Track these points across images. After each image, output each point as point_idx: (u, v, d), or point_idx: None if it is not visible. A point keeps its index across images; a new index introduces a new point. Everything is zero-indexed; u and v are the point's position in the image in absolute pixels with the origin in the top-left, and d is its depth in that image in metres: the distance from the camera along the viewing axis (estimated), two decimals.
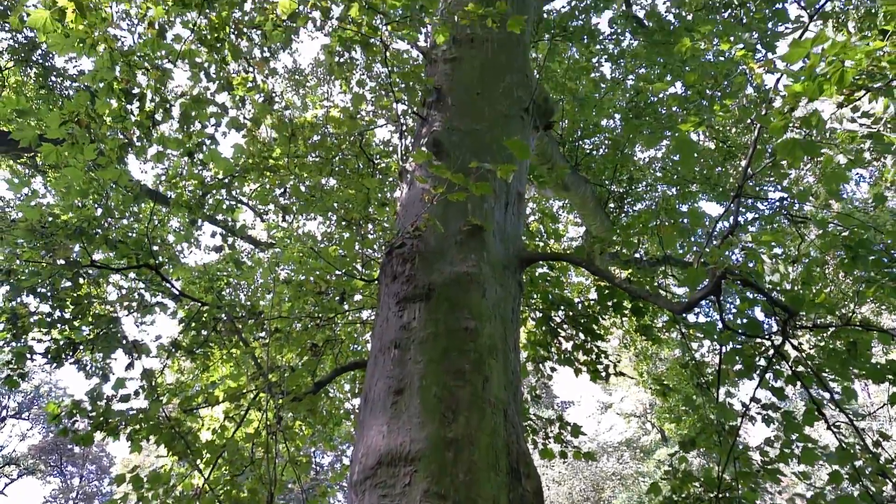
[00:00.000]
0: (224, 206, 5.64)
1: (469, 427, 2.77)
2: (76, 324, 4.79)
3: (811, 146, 2.50)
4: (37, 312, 4.80)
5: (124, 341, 4.83)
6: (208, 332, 5.48)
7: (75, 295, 4.79)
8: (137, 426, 4.19)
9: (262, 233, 12.61)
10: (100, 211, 6.14)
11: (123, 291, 5.33)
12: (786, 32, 4.62)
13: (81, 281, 4.91)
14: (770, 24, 5.87)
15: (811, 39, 2.40)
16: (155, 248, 6.21)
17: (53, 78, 10.62)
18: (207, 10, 4.93)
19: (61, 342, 4.81)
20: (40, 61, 10.35)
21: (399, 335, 3.30)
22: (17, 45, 10.30)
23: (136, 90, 4.54)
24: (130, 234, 5.36)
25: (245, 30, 5.30)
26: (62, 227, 4.60)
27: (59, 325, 4.74)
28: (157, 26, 4.29)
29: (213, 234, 6.28)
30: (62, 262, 4.34)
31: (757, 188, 8.93)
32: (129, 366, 4.83)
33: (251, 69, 5.52)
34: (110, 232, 4.86)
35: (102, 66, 4.23)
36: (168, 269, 6.05)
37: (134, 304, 5.01)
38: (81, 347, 4.86)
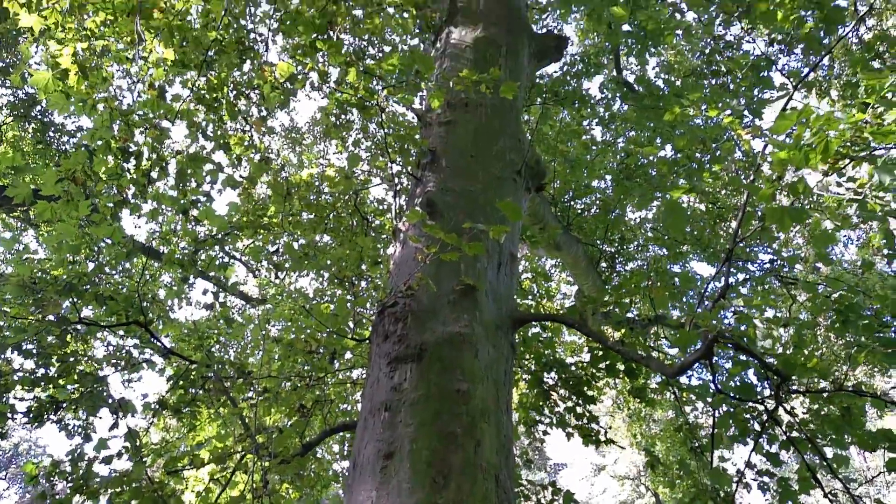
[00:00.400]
0: (216, 263, 5.63)
1: (460, 493, 2.71)
2: (61, 382, 4.71)
3: (799, 214, 2.54)
4: (21, 370, 4.72)
5: (109, 400, 4.74)
6: (196, 391, 5.39)
7: (62, 352, 4.72)
8: (119, 489, 4.07)
9: (253, 288, 12.57)
10: (91, 266, 6.13)
11: (111, 348, 5.27)
12: (772, 100, 4.75)
13: (69, 338, 4.86)
14: (756, 91, 6.05)
15: (797, 112, 2.47)
16: (145, 304, 6.17)
17: (51, 133, 10.74)
18: (207, 71, 5.04)
19: (44, 401, 4.71)
20: (39, 117, 10.48)
21: (390, 396, 3.25)
22: (16, 101, 10.46)
23: (133, 148, 4.59)
24: (121, 290, 5.34)
25: (243, 90, 5.41)
26: (52, 283, 4.57)
27: (42, 384, 4.66)
28: (157, 87, 4.37)
29: (205, 292, 6.25)
30: (51, 318, 4.30)
31: (747, 249, 9.02)
32: (114, 426, 4.73)
33: (248, 128, 5.60)
34: (100, 288, 4.83)
35: (101, 124, 4.28)
36: (158, 326, 5.99)
37: (122, 362, 4.94)
38: (64, 406, 4.77)
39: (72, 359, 4.79)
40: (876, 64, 8.80)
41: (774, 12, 4.16)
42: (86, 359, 5.13)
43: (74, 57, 4.01)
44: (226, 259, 8.57)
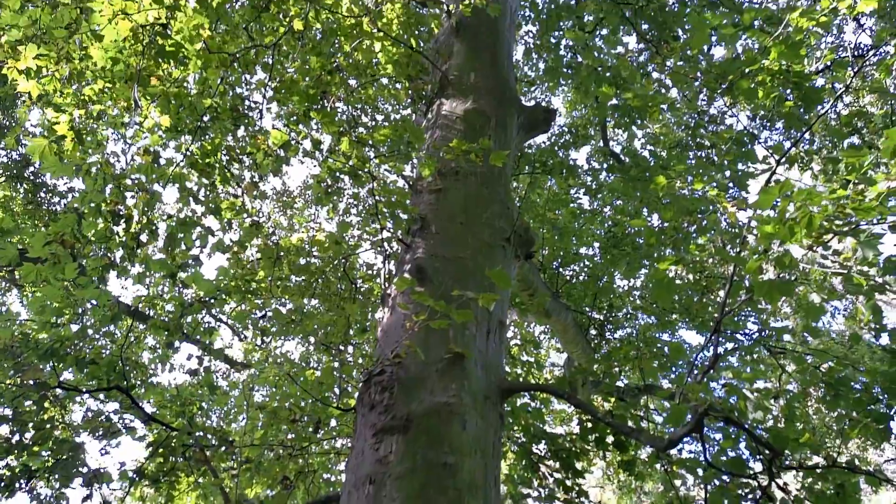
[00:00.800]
0: (202, 329, 5.57)
1: None
2: (35, 449, 4.56)
3: (786, 288, 2.56)
4: None
5: (84, 469, 4.58)
6: (176, 459, 5.24)
7: (38, 419, 4.60)
8: None
9: (239, 352, 12.39)
10: (75, 328, 6.04)
11: (90, 414, 5.13)
12: (756, 173, 4.86)
13: (46, 403, 4.74)
14: (740, 165, 6.20)
15: (778, 187, 2.52)
16: (128, 367, 6.05)
17: (43, 194, 10.76)
18: (201, 137, 5.11)
19: (17, 469, 4.55)
20: (31, 178, 10.53)
21: (375, 469, 3.17)
22: (9, 162, 10.52)
23: (123, 211, 4.60)
24: (104, 353, 5.24)
25: (237, 155, 5.47)
26: (34, 347, 4.49)
27: (17, 451, 4.51)
28: (151, 152, 4.42)
29: (189, 357, 6.16)
30: (29, 383, 4.21)
31: (735, 319, 9.03)
32: (87, 497, 4.56)
33: (240, 193, 5.64)
34: (82, 352, 4.75)
35: (93, 188, 4.30)
36: (139, 392, 5.87)
37: (100, 429, 4.81)
38: (37, 475, 4.60)
39: (48, 425, 4.66)
40: (854, 139, 9.06)
41: (756, 90, 4.30)
42: (63, 425, 4.99)
43: (71, 123, 4.06)
44: (212, 322, 8.48)
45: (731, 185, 5.93)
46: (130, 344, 7.14)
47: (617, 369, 4.97)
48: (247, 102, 5.65)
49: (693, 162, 7.25)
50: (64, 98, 4.81)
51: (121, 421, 5.08)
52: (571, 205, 9.51)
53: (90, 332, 5.92)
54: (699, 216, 5.30)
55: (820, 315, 2.94)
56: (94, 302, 4.87)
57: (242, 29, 5.34)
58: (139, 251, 4.79)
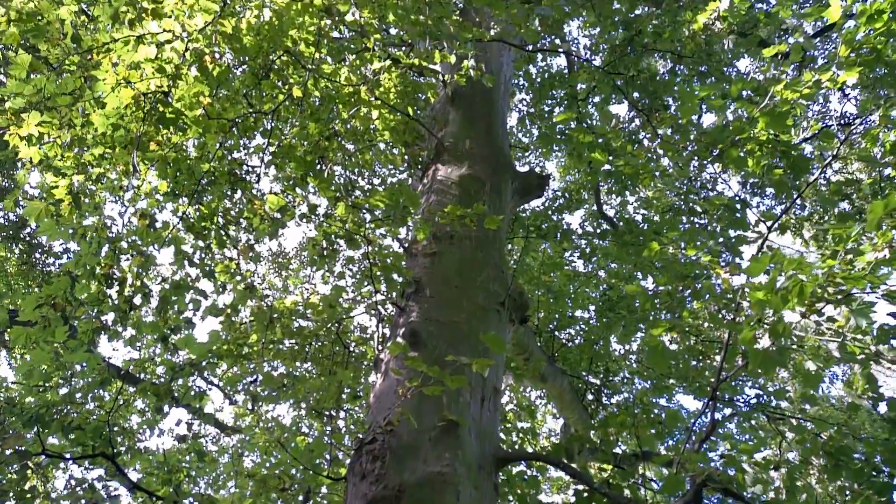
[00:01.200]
0: (193, 392, 5.49)
1: None
2: None
3: (781, 358, 2.55)
4: None
5: None
6: None
7: (20, 488, 4.46)
8: None
9: (229, 416, 12.16)
10: (63, 391, 5.93)
11: (73, 482, 4.99)
12: (749, 240, 4.92)
13: (29, 472, 4.62)
14: (732, 231, 6.25)
15: (768, 256, 2.55)
16: (115, 430, 5.93)
17: (37, 255, 10.77)
18: (198, 200, 5.16)
19: None
20: (27, 238, 10.55)
21: None
22: (6, 223, 10.56)
23: (117, 274, 4.59)
24: (91, 419, 5.14)
25: (233, 218, 5.51)
26: (19, 413, 4.41)
27: None
28: (147, 217, 4.45)
29: (178, 422, 6.06)
30: (11, 451, 4.11)
31: (733, 384, 8.94)
32: None
33: (236, 255, 5.65)
34: (69, 417, 4.66)
35: (87, 251, 4.31)
36: (125, 458, 5.73)
37: (83, 499, 4.67)
38: None
39: (29, 494, 4.53)
40: (845, 204, 9.19)
41: (745, 159, 4.38)
42: (44, 494, 4.84)
43: (69, 188, 4.11)
44: (203, 386, 8.35)
45: (723, 250, 5.98)
46: (119, 407, 7.01)
47: (614, 437, 4.88)
48: (244, 166, 5.73)
49: (686, 227, 7.33)
50: (64, 161, 4.88)
51: (105, 489, 4.94)
52: (566, 268, 9.54)
53: (78, 396, 5.83)
54: (693, 281, 5.33)
55: (817, 383, 2.92)
56: (83, 365, 4.80)
57: (242, 95, 5.46)
58: (132, 314, 4.76)
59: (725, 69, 8.22)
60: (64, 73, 4.17)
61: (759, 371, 2.86)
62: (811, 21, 8.27)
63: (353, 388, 5.77)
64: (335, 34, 5.60)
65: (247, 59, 5.32)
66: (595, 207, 10.55)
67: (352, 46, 5.59)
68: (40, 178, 4.82)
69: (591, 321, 9.66)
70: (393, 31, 8.07)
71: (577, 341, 9.73)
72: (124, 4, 3.89)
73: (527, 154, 11.26)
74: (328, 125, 5.51)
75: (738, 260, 6.09)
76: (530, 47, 6.90)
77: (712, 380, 4.75)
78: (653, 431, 4.39)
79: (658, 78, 7.72)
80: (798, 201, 7.69)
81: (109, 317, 4.89)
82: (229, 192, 5.48)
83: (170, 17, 4.48)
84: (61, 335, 4.12)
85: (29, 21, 3.77)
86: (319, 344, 5.74)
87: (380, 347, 5.29)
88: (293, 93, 5.20)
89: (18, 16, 3.72)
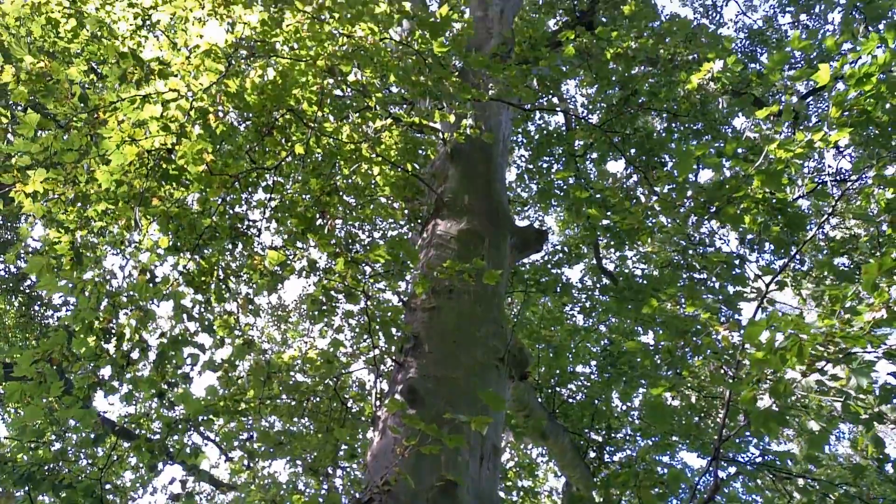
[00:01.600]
0: (188, 449, 5.40)
1: None
2: None
3: (783, 418, 2.53)
4: None
5: None
6: None
7: None
8: None
9: (225, 472, 11.93)
10: (57, 446, 5.84)
11: None
12: (748, 296, 4.92)
13: None
14: (730, 287, 6.27)
15: (766, 320, 2.56)
16: (108, 487, 5.82)
17: (36, 307, 10.75)
18: (199, 255, 5.18)
19: None
20: (26, 291, 10.55)
21: None
22: (6, 276, 10.58)
23: (115, 329, 4.58)
24: (84, 475, 5.04)
25: (233, 272, 5.52)
26: (10, 471, 4.33)
27: None
28: (147, 272, 4.46)
29: (172, 480, 5.94)
30: None
31: (737, 441, 8.79)
32: None
33: (235, 310, 5.64)
34: (60, 475, 4.57)
35: (86, 305, 4.31)
36: None
37: None
38: None
39: None
40: (843, 259, 9.21)
41: (742, 216, 4.42)
42: None
43: (71, 243, 4.14)
44: (199, 442, 8.23)
45: (722, 307, 5.98)
46: (112, 464, 6.89)
47: (616, 497, 4.79)
48: (246, 221, 5.78)
49: (685, 282, 7.34)
50: (67, 216, 4.92)
51: None
52: (566, 322, 9.51)
53: (71, 452, 5.74)
54: (693, 338, 5.31)
55: (822, 444, 2.88)
56: (77, 422, 4.74)
57: (245, 152, 5.54)
58: (129, 369, 4.73)
59: (721, 127, 8.37)
60: (71, 129, 4.26)
61: (762, 431, 2.83)
62: (802, 82, 8.47)
63: (351, 446, 5.68)
64: (337, 93, 5.73)
65: (250, 115, 5.43)
66: (594, 261, 10.58)
67: (354, 105, 5.72)
68: (43, 233, 4.86)
69: (592, 376, 9.57)
70: (394, 90, 8.26)
71: (578, 397, 9.62)
72: (132, 66, 3.99)
73: (525, 209, 11.35)
74: (329, 181, 5.59)
75: (737, 316, 6.08)
76: (528, 106, 7.04)
77: (715, 437, 4.69)
78: (656, 491, 4.30)
79: (654, 136, 7.86)
80: (797, 257, 7.72)
81: (106, 370, 4.86)
82: (230, 246, 5.51)
83: (176, 76, 4.60)
84: (56, 390, 4.09)
85: (39, 81, 3.87)
86: (317, 400, 5.68)
87: (378, 404, 5.23)
88: (295, 150, 5.29)
89: (29, 76, 3.81)
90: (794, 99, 9.18)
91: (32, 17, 4.94)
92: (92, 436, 4.64)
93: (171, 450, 5.64)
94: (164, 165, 4.35)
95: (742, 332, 4.78)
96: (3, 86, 4.43)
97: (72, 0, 5.34)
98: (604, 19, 10.11)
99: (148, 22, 6.20)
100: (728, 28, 13.18)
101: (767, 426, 2.62)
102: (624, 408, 10.07)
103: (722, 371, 4.40)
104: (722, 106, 8.23)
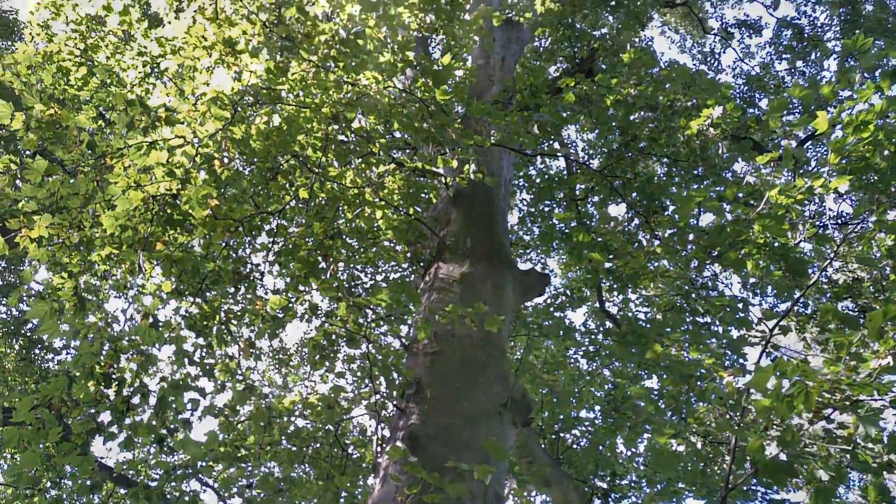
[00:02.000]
0: (186, 497, 5.31)
1: None
2: None
3: (792, 468, 2.49)
4: None
5: None
6: None
7: None
8: None
9: None
10: (53, 492, 5.74)
11: None
12: (752, 341, 4.90)
13: None
14: (734, 330, 6.23)
15: (772, 366, 2.54)
16: None
17: (37, 350, 10.70)
18: (201, 298, 5.18)
19: None
20: (27, 335, 10.52)
21: None
22: (8, 319, 10.56)
23: (115, 374, 4.55)
24: None
25: (234, 315, 5.51)
26: None
27: None
28: (149, 317, 4.46)
29: None
30: None
31: (745, 489, 8.62)
32: None
33: (236, 354, 5.62)
34: None
35: (87, 350, 4.30)
36: None
37: None
38: None
39: None
40: (847, 303, 9.17)
41: (743, 261, 4.43)
42: None
43: (75, 288, 4.15)
44: (197, 488, 8.08)
45: (727, 351, 5.94)
46: None
47: None
48: (248, 265, 5.80)
49: (689, 326, 7.31)
50: (71, 259, 4.94)
51: None
52: (570, 366, 9.42)
53: (66, 499, 5.65)
54: (697, 383, 5.26)
55: (831, 497, 2.82)
56: (75, 468, 4.68)
57: (249, 196, 5.59)
58: (128, 414, 4.68)
59: (722, 172, 8.43)
60: (77, 175, 4.31)
61: (769, 481, 2.78)
62: (800, 129, 8.56)
63: (351, 493, 5.59)
64: (342, 138, 5.81)
65: (255, 161, 5.50)
66: (597, 305, 10.54)
67: (357, 150, 5.79)
68: (46, 277, 4.87)
69: (596, 422, 9.44)
70: (397, 135, 8.36)
71: (582, 443, 9.48)
72: (139, 113, 4.06)
73: (528, 252, 11.37)
74: (332, 225, 5.62)
75: (741, 361, 6.04)
76: (530, 151, 7.13)
77: (722, 484, 4.61)
78: None
79: (655, 180, 7.92)
80: (800, 301, 7.69)
81: (105, 415, 4.81)
82: (232, 290, 5.51)
83: (182, 122, 4.67)
84: (54, 436, 4.05)
85: (49, 128, 3.93)
86: (317, 446, 5.61)
87: (379, 450, 5.17)
88: (299, 194, 5.33)
89: (39, 124, 3.88)
90: (794, 144, 9.28)
91: (44, 66, 5.05)
92: (89, 483, 4.57)
93: (170, 496, 5.55)
94: (169, 210, 4.39)
95: (746, 376, 4.75)
96: (11, 132, 4.49)
97: (83, 49, 5.47)
98: (603, 66, 10.30)
99: (156, 70, 6.32)
100: (726, 74, 13.41)
101: (775, 476, 2.58)
102: (629, 454, 9.91)
103: (727, 417, 4.35)
104: (722, 151, 8.32)
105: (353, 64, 4.88)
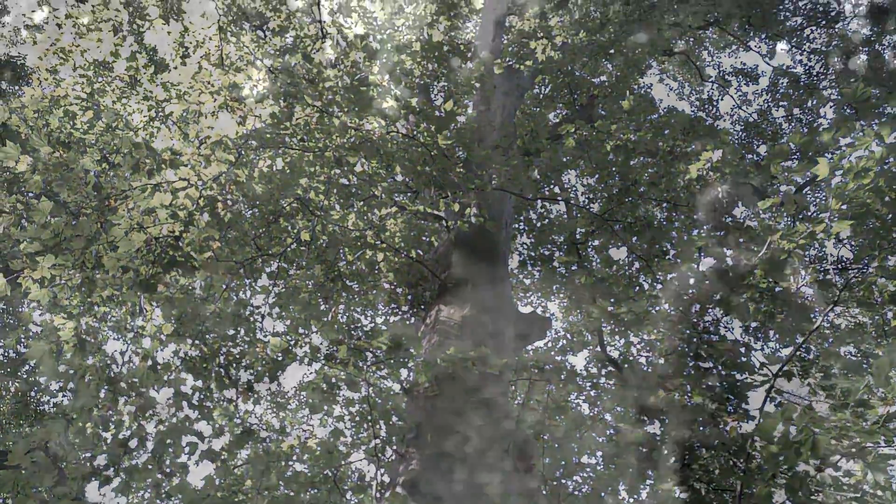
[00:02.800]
0: None
1: None
2: None
3: None
4: None
5: None
6: None
7: None
8: None
9: None
10: None
11: None
12: (755, 385, 4.85)
13: None
14: (737, 374, 6.17)
15: (779, 412, 2.52)
16: None
17: (33, 392, 10.59)
18: (199, 342, 5.16)
19: None
20: (24, 376, 10.42)
21: None
22: (5, 360, 10.48)
23: (113, 417, 4.50)
24: None
25: (234, 358, 5.47)
26: None
27: None
28: (148, 360, 4.43)
29: None
30: None
31: None
32: None
33: (234, 396, 5.55)
34: None
35: (86, 392, 4.25)
36: None
37: None
38: None
39: None
40: (850, 347, 9.11)
41: (746, 304, 4.42)
42: None
43: (75, 330, 4.13)
44: None
45: (729, 396, 5.88)
46: None
47: None
48: (249, 307, 5.78)
49: (691, 371, 7.24)
50: (72, 300, 4.93)
51: None
52: (572, 410, 9.30)
53: None
54: (701, 428, 5.18)
55: None
56: None
57: (251, 238, 5.61)
58: (125, 457, 4.61)
59: (723, 218, 8.46)
60: (81, 216, 4.33)
61: None
62: (800, 175, 8.62)
63: None
64: (344, 181, 5.86)
65: (257, 203, 5.53)
66: (599, 349, 10.47)
67: (359, 193, 5.83)
68: (46, 318, 4.85)
69: (598, 467, 9.28)
70: (399, 178, 8.44)
71: (584, 489, 9.30)
72: (144, 156, 4.11)
73: (528, 295, 11.35)
74: (333, 267, 5.63)
75: (744, 406, 5.96)
76: (530, 195, 7.18)
77: None
78: None
79: (655, 224, 7.95)
80: (803, 346, 7.64)
81: (101, 461, 4.73)
82: (232, 332, 5.49)
83: (186, 165, 4.72)
84: (49, 481, 3.97)
85: (55, 171, 3.97)
86: (315, 492, 5.50)
87: (378, 496, 5.07)
88: (301, 236, 5.36)
89: (45, 166, 3.92)
90: (793, 189, 9.35)
91: (51, 110, 5.13)
92: None
93: None
94: (171, 252, 4.40)
95: (750, 422, 4.69)
96: (15, 174, 4.54)
97: (89, 94, 5.56)
98: (603, 112, 10.45)
99: (161, 113, 6.42)
100: (724, 121, 13.58)
101: None
102: (631, 501, 9.72)
103: (731, 462, 4.29)
104: (721, 195, 8.36)
105: (357, 109, 4.95)
